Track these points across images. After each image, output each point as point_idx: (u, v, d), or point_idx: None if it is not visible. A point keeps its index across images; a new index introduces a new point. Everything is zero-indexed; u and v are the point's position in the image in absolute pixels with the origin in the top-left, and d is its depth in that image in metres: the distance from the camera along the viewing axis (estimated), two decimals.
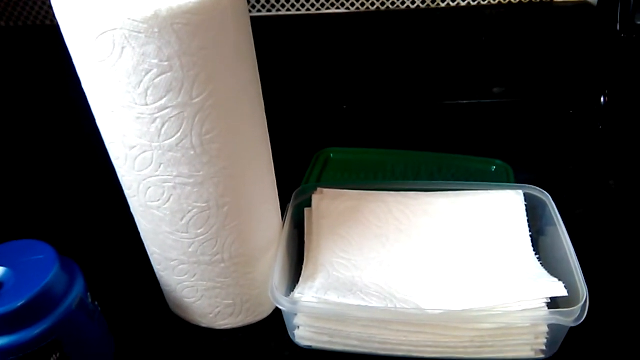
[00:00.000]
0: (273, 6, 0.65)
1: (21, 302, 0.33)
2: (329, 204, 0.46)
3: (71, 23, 0.29)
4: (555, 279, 0.38)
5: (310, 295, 0.38)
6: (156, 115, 0.31)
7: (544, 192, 0.44)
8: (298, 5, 0.65)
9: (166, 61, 0.29)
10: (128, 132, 0.32)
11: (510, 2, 0.64)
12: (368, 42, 0.66)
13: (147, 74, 0.29)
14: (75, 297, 0.36)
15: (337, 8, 0.65)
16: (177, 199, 0.35)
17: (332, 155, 0.61)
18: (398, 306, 0.38)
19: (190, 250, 0.38)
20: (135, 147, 0.32)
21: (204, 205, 0.35)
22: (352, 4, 0.65)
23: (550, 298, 0.37)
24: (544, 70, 0.66)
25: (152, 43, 0.28)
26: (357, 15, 0.65)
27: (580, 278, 0.36)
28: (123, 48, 0.28)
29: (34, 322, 0.34)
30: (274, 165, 0.41)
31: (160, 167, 0.33)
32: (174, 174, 0.33)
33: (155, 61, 0.29)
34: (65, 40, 0.30)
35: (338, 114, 0.69)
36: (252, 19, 0.34)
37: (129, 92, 0.30)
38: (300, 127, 0.67)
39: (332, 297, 0.38)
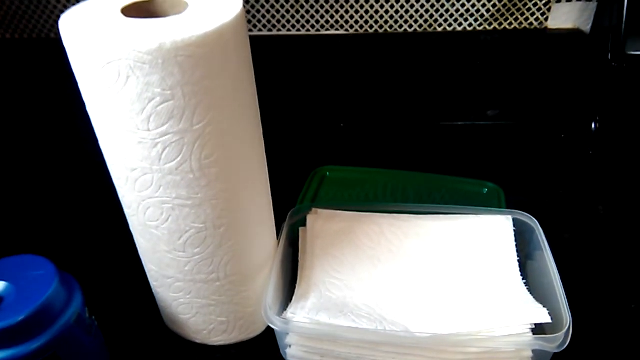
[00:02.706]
0: (274, 26, 0.67)
1: (21, 317, 0.33)
2: (323, 225, 0.47)
3: (78, 51, 0.30)
4: (540, 306, 0.39)
5: (302, 315, 0.39)
6: (158, 141, 0.32)
7: (532, 219, 0.46)
8: (298, 26, 0.67)
9: (169, 90, 0.30)
10: (130, 155, 0.33)
11: (505, 28, 0.65)
12: (366, 63, 0.67)
13: (150, 101, 0.30)
14: (74, 313, 0.37)
15: (337, 30, 0.67)
16: (175, 219, 0.36)
17: (328, 173, 0.62)
18: (388, 328, 0.39)
19: (186, 268, 0.39)
20: (136, 169, 0.33)
21: (201, 226, 0.36)
22: (351, 26, 0.66)
23: (535, 324, 0.38)
24: (537, 94, 0.68)
25: (156, 73, 0.29)
26: (355, 37, 0.67)
27: (565, 305, 0.38)
28: (128, 77, 0.29)
29: (33, 336, 0.34)
30: (271, 183, 0.42)
31: (160, 189, 0.34)
32: (173, 195, 0.34)
33: (159, 90, 0.30)
34: (72, 66, 0.31)
35: (335, 132, 0.71)
36: (253, 38, 0.35)
37: (132, 118, 0.31)
38: (297, 145, 0.68)
39: (324, 318, 0.39)
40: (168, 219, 0.36)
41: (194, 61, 0.30)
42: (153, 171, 0.33)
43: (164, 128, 0.31)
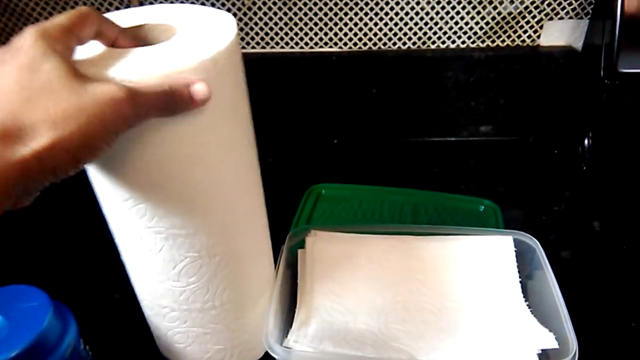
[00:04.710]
0: (267, 43, 0.67)
1: (15, 353, 0.32)
2: (322, 247, 0.47)
3: None
4: (546, 330, 0.38)
5: (305, 343, 0.38)
6: None
7: (532, 239, 0.45)
8: (292, 44, 0.67)
9: None
10: (123, 185, 0.32)
11: (498, 45, 0.66)
12: (360, 80, 0.67)
13: None
14: (69, 345, 0.36)
15: (331, 47, 0.67)
16: (169, 249, 0.35)
17: (323, 191, 0.61)
18: (393, 356, 0.38)
19: (181, 298, 0.38)
20: (128, 199, 0.33)
21: (195, 255, 0.35)
22: (345, 44, 0.66)
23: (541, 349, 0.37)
24: (530, 111, 0.68)
25: None
26: (350, 54, 0.67)
27: (570, 329, 0.37)
28: None
29: None
30: (265, 202, 0.41)
31: (153, 219, 0.33)
32: (167, 225, 0.34)
33: None
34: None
35: (329, 150, 0.70)
36: (247, 55, 0.34)
37: None
38: (291, 162, 0.68)
39: (327, 347, 0.38)
40: (162, 248, 0.35)
41: None
42: (146, 200, 0.32)
43: None
